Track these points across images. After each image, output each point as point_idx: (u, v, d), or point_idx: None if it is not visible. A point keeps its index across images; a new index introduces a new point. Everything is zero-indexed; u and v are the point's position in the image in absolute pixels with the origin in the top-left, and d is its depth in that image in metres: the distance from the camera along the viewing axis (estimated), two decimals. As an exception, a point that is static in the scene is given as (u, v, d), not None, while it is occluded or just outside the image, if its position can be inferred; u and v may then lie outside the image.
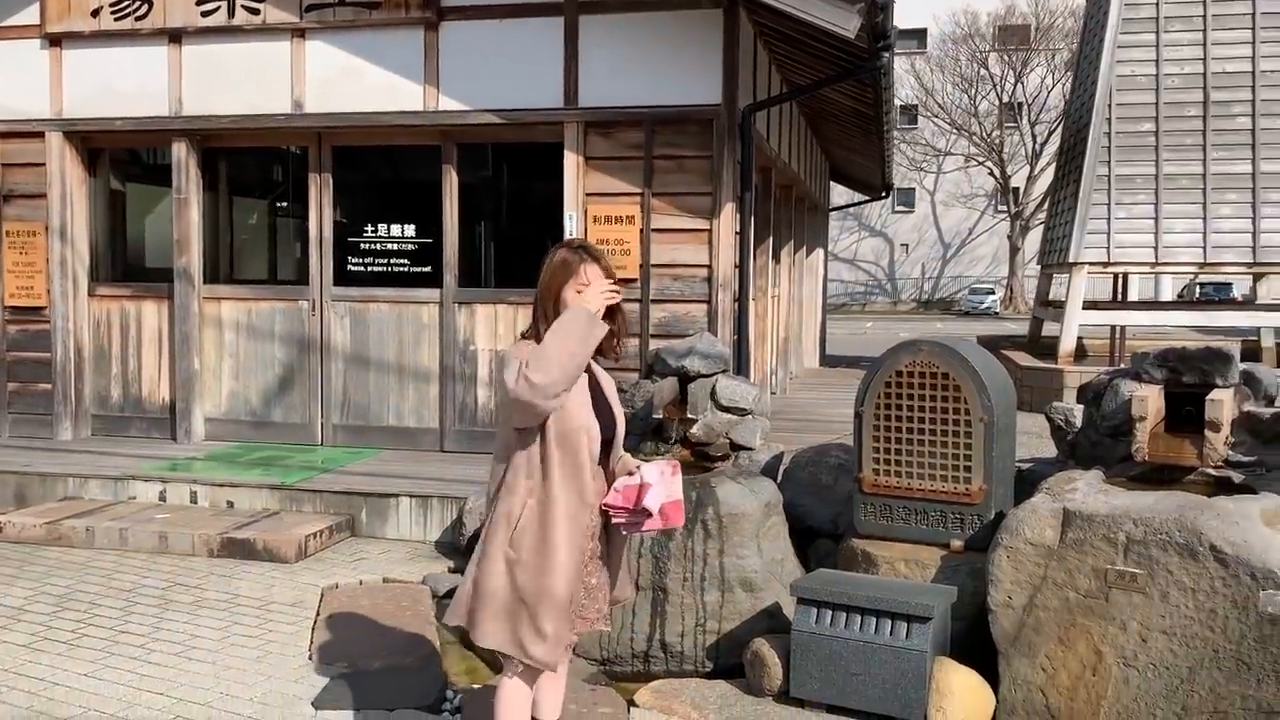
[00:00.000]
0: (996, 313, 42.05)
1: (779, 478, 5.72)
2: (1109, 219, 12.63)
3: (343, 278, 8.62)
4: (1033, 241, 44.50)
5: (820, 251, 17.09)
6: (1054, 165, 15.06)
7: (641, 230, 7.64)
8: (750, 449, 5.59)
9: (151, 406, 8.98)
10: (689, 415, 5.40)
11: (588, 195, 7.74)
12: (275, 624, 5.29)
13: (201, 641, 5.02)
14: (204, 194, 8.83)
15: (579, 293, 3.26)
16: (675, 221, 7.61)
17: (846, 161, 16.18)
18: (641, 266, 7.66)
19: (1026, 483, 5.20)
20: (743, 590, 4.80)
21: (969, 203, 48.43)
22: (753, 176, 7.74)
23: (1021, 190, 43.41)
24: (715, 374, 5.73)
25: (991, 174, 44.71)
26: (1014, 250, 43.94)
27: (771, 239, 10.61)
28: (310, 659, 4.83)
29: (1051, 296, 15.53)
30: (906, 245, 50.06)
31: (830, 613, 4.22)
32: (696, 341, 5.83)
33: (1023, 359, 13.08)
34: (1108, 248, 12.64)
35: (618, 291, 3.27)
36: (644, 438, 5.69)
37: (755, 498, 4.93)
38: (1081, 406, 5.34)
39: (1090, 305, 13.40)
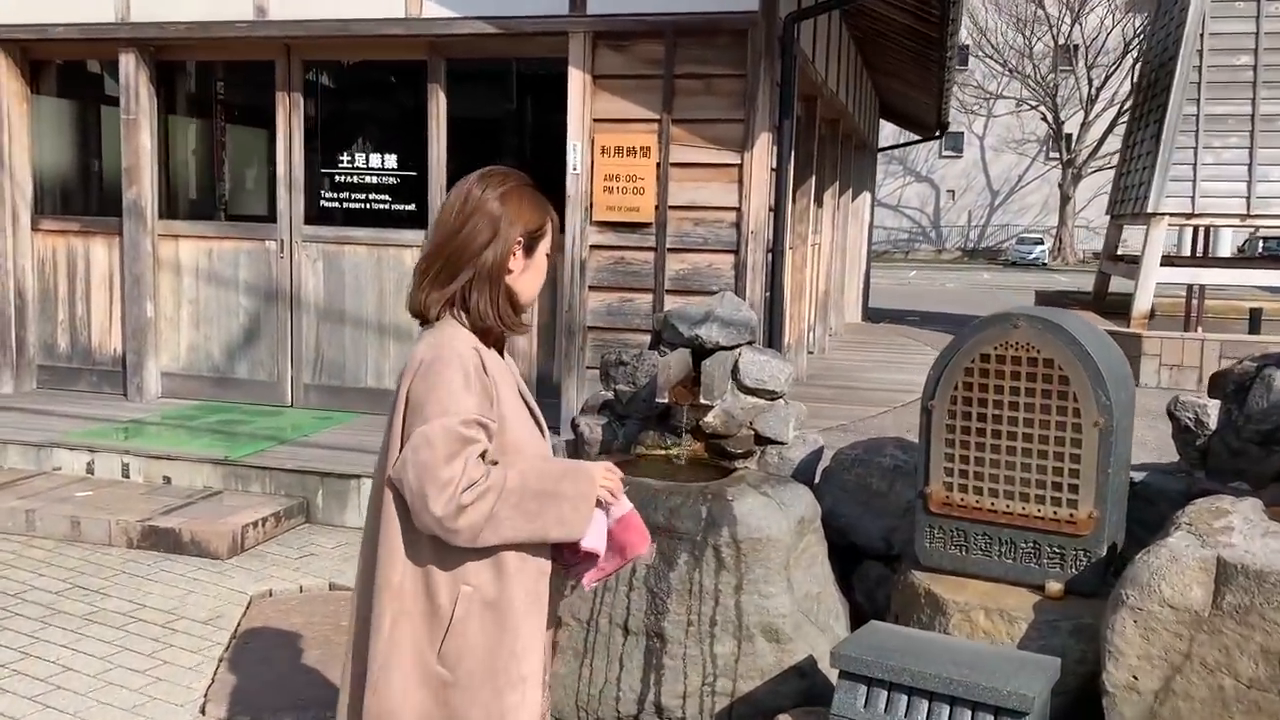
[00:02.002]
0: (1045, 264, 40.70)
1: (816, 478, 4.53)
2: (1195, 164, 11.19)
3: (315, 215, 7.47)
4: (1084, 190, 42.88)
5: (866, 195, 15.68)
6: (1110, 111, 13.59)
7: (658, 165, 6.39)
8: (781, 443, 4.40)
9: (102, 358, 7.91)
10: (703, 400, 4.20)
11: (596, 122, 6.49)
12: (176, 651, 4.20)
13: (73, 678, 3.94)
14: (158, 116, 7.66)
15: (548, 256, 2.27)
16: (699, 154, 6.35)
17: (898, 95, 14.71)
18: (657, 209, 6.42)
19: (1141, 500, 3.99)
20: (766, 639, 3.63)
21: (1020, 148, 46.63)
22: (794, 101, 6.46)
23: (1075, 136, 41.58)
24: (738, 346, 4.52)
25: (1044, 119, 42.94)
26: (1065, 199, 42.31)
27: (814, 180, 9.30)
28: (202, 711, 3.73)
29: (1121, 250, 14.10)
30: (953, 191, 48.37)
31: (885, 693, 3.05)
32: (716, 304, 4.61)
33: (1091, 320, 11.71)
34: (1193, 197, 11.21)
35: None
36: (645, 425, 4.51)
37: (785, 514, 3.75)
38: (1216, 402, 4.10)
39: (1167, 261, 12.00)
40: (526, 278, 2.22)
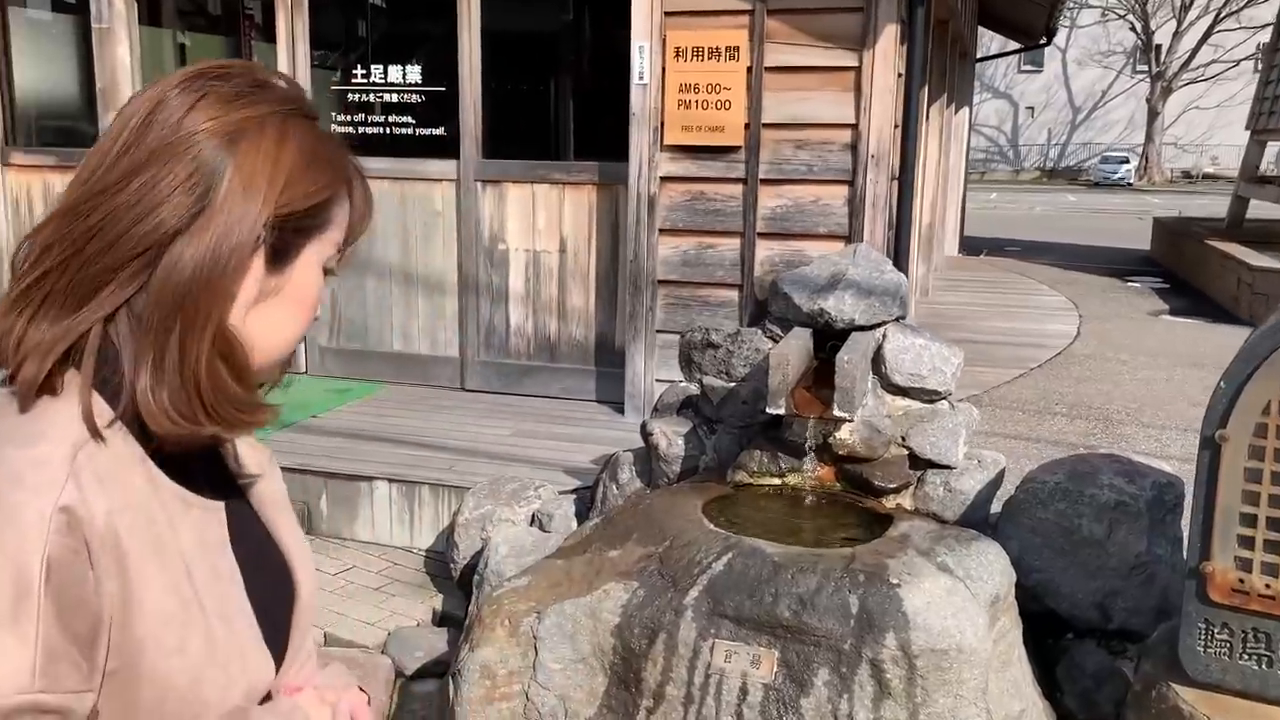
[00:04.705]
0: (1130, 184, 38.65)
1: (993, 508, 3.18)
2: (1373, 66, 9.42)
3: (325, 143, 6.15)
4: (1174, 105, 40.27)
5: (965, 111, 13.99)
6: (1205, 19, 11.70)
7: (749, 70, 4.94)
8: (948, 466, 3.04)
9: (88, 316, 6.73)
10: (838, 412, 2.84)
11: (667, 15, 5.05)
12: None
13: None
14: (138, 25, 6.36)
15: (329, 272, 1.03)
16: (803, 55, 4.88)
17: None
18: (747, 127, 4.99)
19: None
20: (954, 805, 2.33)
21: (1105, 61, 43.99)
22: (926, -16, 4.96)
23: (1165, 47, 39.04)
24: (881, 324, 3.17)
25: (1132, 28, 40.37)
26: (1152, 115, 39.94)
27: (925, 91, 7.77)
28: None
29: (1263, 170, 12.32)
30: (1032, 108, 46.01)
31: None
32: (848, 263, 3.25)
33: (1236, 250, 10.03)
34: (1369, 106, 9.46)
35: None
36: (746, 437, 3.18)
37: (978, 603, 2.42)
38: None
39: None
40: (270, 314, 0.98)
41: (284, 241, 0.95)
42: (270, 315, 0.97)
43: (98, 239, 0.89)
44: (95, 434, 0.88)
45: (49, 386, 0.89)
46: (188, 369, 0.91)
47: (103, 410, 0.90)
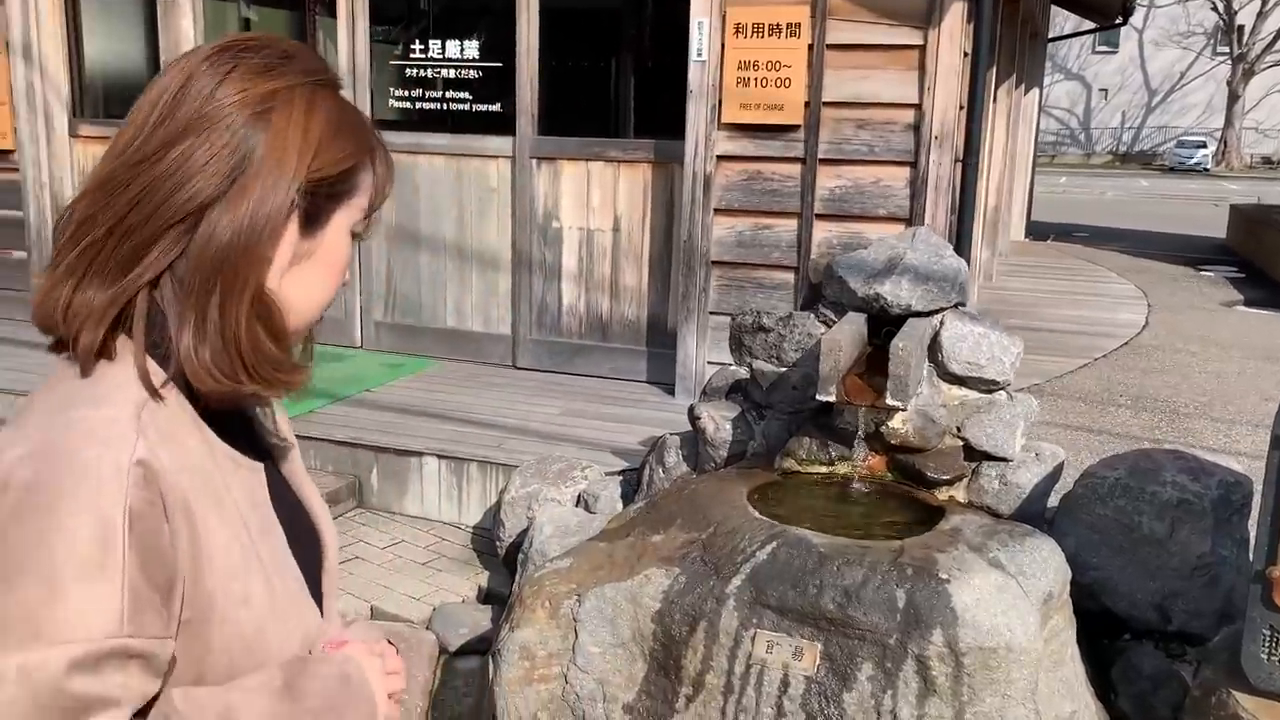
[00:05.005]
0: (1207, 169, 37.64)
1: (1049, 502, 3.09)
2: None
3: (384, 118, 6.16)
4: (1256, 88, 39.09)
5: (1035, 93, 13.67)
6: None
7: (811, 47, 4.84)
8: (1004, 459, 2.96)
9: (150, 286, 6.83)
10: (890, 400, 2.76)
11: (728, -9, 4.97)
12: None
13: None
14: (203, -2, 6.42)
15: (356, 236, 1.06)
16: (866, 33, 4.77)
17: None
18: (807, 106, 4.90)
19: None
20: (999, 808, 2.26)
21: (1184, 42, 42.76)
22: (995, -41, 4.81)
23: (1248, 28, 37.87)
24: (939, 310, 3.08)
25: (1214, 8, 39.16)
26: (1233, 98, 38.76)
27: (993, 72, 7.59)
28: None
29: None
30: (1106, 90, 44.86)
31: None
32: (906, 247, 3.16)
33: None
34: None
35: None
36: (795, 424, 3.12)
37: (1030, 602, 2.34)
38: None
39: None
40: (303, 277, 1.00)
41: (316, 207, 0.98)
42: (303, 278, 1.00)
43: (137, 209, 0.92)
44: (154, 394, 0.93)
45: (105, 351, 0.94)
46: (229, 330, 0.94)
47: (156, 372, 0.95)
